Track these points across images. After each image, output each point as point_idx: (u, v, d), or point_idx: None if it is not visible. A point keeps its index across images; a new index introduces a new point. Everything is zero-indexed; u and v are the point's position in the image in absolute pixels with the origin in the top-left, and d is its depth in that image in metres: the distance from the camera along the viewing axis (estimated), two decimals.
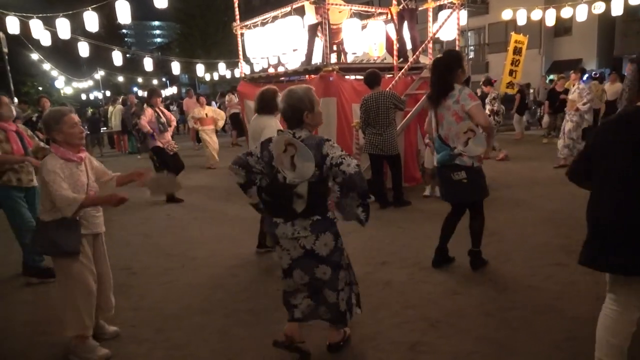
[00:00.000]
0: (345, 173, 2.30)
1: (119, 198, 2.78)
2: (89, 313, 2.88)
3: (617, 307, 2.15)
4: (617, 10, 11.18)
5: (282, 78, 8.21)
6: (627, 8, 11.38)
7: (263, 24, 7.83)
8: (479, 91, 11.14)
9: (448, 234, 3.96)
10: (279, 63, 8.51)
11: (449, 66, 3.65)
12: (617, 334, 2.13)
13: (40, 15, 10.46)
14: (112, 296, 3.14)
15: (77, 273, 2.82)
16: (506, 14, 12.41)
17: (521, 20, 12.18)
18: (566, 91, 11.38)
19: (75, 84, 30.46)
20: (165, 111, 7.27)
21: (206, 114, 10.39)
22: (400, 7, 7.28)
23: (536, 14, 12.09)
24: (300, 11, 7.21)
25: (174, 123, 7.48)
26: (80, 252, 2.81)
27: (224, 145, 12.92)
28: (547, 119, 11.77)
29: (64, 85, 27.85)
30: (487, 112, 8.99)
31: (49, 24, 10.44)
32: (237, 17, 8.48)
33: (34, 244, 2.88)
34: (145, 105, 7.27)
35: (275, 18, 7.42)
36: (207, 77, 24.94)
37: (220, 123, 10.93)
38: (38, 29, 10.35)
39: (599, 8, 11.56)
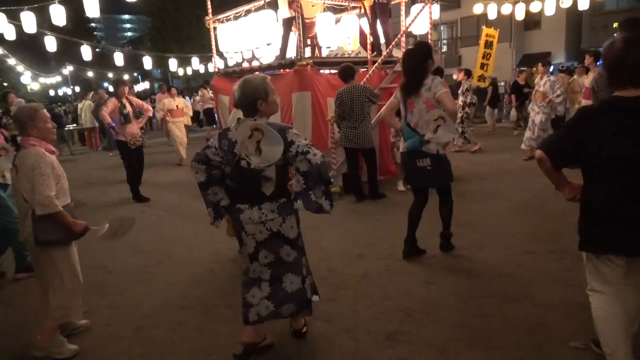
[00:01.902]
0: (311, 162, 2.37)
1: (83, 226, 2.84)
2: (77, 298, 2.98)
3: (613, 296, 2.15)
4: (583, 4, 11.48)
5: (257, 72, 8.15)
6: (594, 2, 11.73)
7: (236, 17, 7.75)
8: (454, 77, 11.37)
9: (414, 225, 4.04)
10: (253, 57, 8.45)
11: (422, 56, 3.74)
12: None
13: (4, 8, 10.12)
14: None
15: (74, 259, 2.93)
16: (477, 8, 12.63)
17: (492, 14, 12.39)
18: (527, 85, 11.72)
19: (43, 80, 29.62)
20: (137, 101, 7.02)
21: (177, 106, 10.21)
22: (373, 1, 7.32)
23: (506, 8, 12.31)
24: (274, 5, 7.17)
25: (149, 113, 7.22)
26: None
27: (200, 140, 12.78)
28: (514, 113, 12.07)
29: (30, 81, 27.05)
30: (460, 103, 9.14)
31: (14, 18, 10.11)
32: (210, 10, 8.38)
33: (43, 234, 2.77)
34: (107, 97, 7.10)
35: (248, 12, 7.36)
36: (181, 72, 24.59)
37: (187, 118, 10.74)
38: (2, 23, 10.00)
39: (566, 2, 11.83)
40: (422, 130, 3.70)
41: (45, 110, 2.95)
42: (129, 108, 6.70)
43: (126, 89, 6.93)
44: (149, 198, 7.05)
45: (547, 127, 7.96)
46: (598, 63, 7.05)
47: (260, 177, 2.47)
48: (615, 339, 2.15)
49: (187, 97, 20.22)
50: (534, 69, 12.67)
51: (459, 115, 8.93)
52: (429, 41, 7.43)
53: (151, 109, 7.59)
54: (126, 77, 33.18)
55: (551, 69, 9.17)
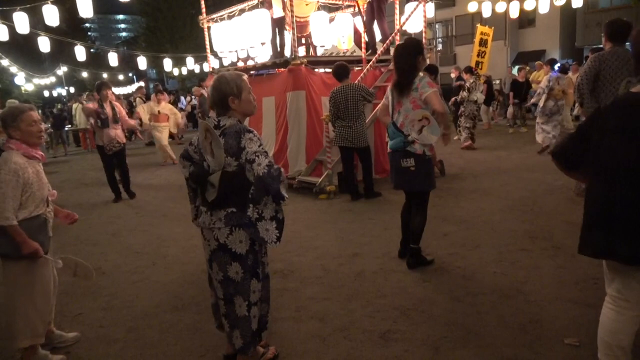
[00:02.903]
0: (255, 173, 2.16)
1: (33, 248, 2.57)
2: (44, 319, 2.76)
3: (619, 304, 2.06)
4: (577, 2, 11.52)
5: (252, 72, 8.15)
6: (587, 0, 11.74)
7: (230, 17, 7.74)
8: (452, 75, 11.44)
9: (408, 224, 4.01)
10: (248, 57, 8.43)
11: (412, 53, 3.66)
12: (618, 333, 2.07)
13: None
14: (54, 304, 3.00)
15: (42, 275, 2.72)
16: (472, 6, 12.65)
17: (487, 13, 12.42)
18: (528, 83, 11.74)
19: (37, 81, 29.43)
20: (120, 109, 6.96)
21: (158, 111, 10.17)
22: None
23: (501, 6, 12.34)
24: (268, 4, 7.15)
25: (130, 122, 7.26)
26: (47, 251, 2.73)
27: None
28: (511, 110, 12.10)
29: (24, 82, 26.88)
30: (459, 99, 9.33)
31: (6, 18, 10.05)
32: (204, 10, 8.36)
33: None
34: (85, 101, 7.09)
35: (242, 11, 7.34)
36: (176, 72, 24.51)
37: (172, 125, 10.56)
38: None
39: (560, 0, 11.88)
40: (407, 130, 3.62)
41: (33, 111, 2.76)
42: (108, 112, 6.61)
43: (110, 92, 6.84)
44: (134, 193, 7.18)
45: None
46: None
47: (207, 181, 2.35)
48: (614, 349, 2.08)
49: (182, 97, 20.19)
50: (527, 67, 12.70)
51: (469, 109, 9.12)
52: (424, 39, 7.44)
53: (132, 122, 7.66)
54: (121, 77, 33.07)
55: (556, 66, 9.17)
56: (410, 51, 3.67)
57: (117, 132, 6.74)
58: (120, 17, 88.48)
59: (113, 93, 7.08)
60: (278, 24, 7.16)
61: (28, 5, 9.51)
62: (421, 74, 3.70)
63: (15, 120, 2.67)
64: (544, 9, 11.96)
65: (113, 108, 6.72)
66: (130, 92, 25.03)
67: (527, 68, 12.47)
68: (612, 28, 4.32)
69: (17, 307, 2.67)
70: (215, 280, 2.47)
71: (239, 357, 2.51)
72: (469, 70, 9.89)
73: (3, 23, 10.09)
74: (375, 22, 7.44)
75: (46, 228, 2.75)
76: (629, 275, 2.01)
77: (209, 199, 2.34)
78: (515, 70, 13.88)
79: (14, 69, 24.01)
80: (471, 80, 9.47)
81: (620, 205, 1.93)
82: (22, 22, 9.56)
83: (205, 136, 2.33)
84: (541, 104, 8.03)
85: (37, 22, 10.25)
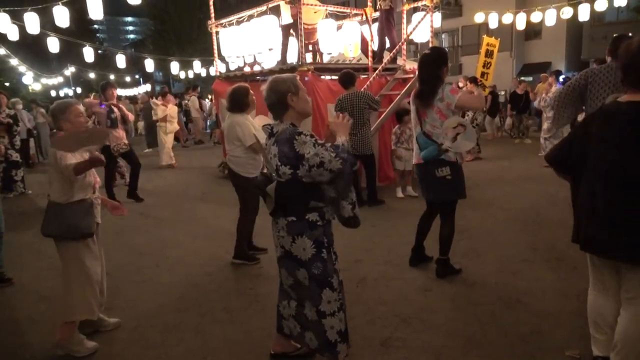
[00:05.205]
0: (332, 171, 2.15)
1: (97, 157, 2.82)
2: (96, 298, 2.96)
3: (602, 290, 2.32)
4: (584, 15, 11.55)
5: (258, 77, 8.21)
6: (594, 13, 11.77)
7: (238, 22, 7.81)
8: (460, 84, 11.47)
9: (424, 233, 4.01)
10: (255, 62, 8.49)
11: (437, 62, 3.61)
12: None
13: (8, 8, 10.14)
14: (105, 287, 3.16)
15: (87, 257, 2.90)
16: (479, 17, 12.67)
17: (493, 24, 12.45)
18: (527, 95, 11.85)
19: (45, 80, 29.61)
20: (122, 107, 7.02)
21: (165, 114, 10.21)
22: (382, 7, 7.35)
23: (507, 18, 12.37)
24: (276, 10, 7.22)
25: (131, 119, 7.26)
26: (93, 234, 2.91)
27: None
28: (509, 121, 12.15)
29: (32, 81, 27.05)
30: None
31: (17, 18, 10.14)
32: (213, 15, 8.43)
33: (47, 227, 2.82)
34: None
35: (251, 17, 7.41)
36: (182, 75, 24.61)
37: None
38: (5, 23, 10.03)
39: (567, 13, 11.92)
40: (439, 139, 3.54)
41: (80, 105, 3.02)
42: (117, 113, 6.68)
43: (114, 92, 6.91)
44: (142, 199, 7.14)
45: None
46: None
47: (265, 192, 2.35)
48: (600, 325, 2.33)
49: (207, 100, 20.19)
50: (525, 79, 12.79)
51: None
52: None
53: (131, 116, 7.64)
54: (128, 79, 33.24)
55: (561, 78, 9.21)
56: (435, 61, 3.62)
57: (122, 133, 6.78)
58: (129, 19, 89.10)
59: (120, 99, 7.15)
60: (288, 31, 7.22)
61: (40, 6, 9.60)
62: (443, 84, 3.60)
63: (65, 113, 2.90)
64: (550, 21, 12.00)
65: (119, 108, 6.79)
66: (136, 93, 25.11)
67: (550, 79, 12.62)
68: (617, 44, 4.22)
69: (73, 284, 2.87)
70: (285, 284, 2.50)
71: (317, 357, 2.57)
72: (473, 80, 9.92)
73: (13, 23, 10.18)
74: (384, 31, 7.50)
75: (92, 211, 2.91)
76: (609, 265, 2.25)
77: (268, 209, 2.39)
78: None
79: (22, 68, 24.17)
80: (475, 91, 9.50)
81: (600, 203, 2.12)
82: (32, 22, 9.65)
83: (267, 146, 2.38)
84: (550, 114, 8.05)
85: (46, 22, 10.34)
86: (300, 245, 2.31)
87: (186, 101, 15.72)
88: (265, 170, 2.49)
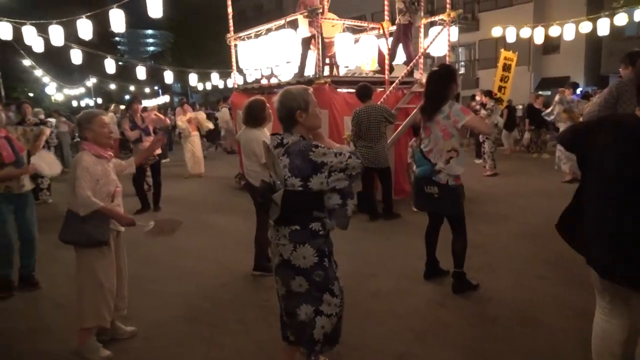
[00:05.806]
0: (351, 176, 2.30)
1: (130, 220, 3.01)
2: (108, 306, 2.99)
3: (607, 315, 2.17)
4: (603, 30, 11.45)
5: (275, 89, 8.28)
6: (613, 28, 11.62)
7: (257, 36, 7.92)
8: (477, 98, 11.42)
9: (432, 246, 4.01)
10: (272, 74, 8.58)
11: (444, 79, 3.65)
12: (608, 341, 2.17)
13: (34, 21, 10.44)
14: (126, 294, 3.23)
15: (101, 265, 2.95)
16: (496, 31, 12.64)
17: (510, 38, 12.41)
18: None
19: (67, 91, 30.35)
20: (146, 118, 7.16)
21: (189, 120, 10.30)
22: (401, 22, 7.39)
23: (525, 32, 12.33)
24: (294, 24, 7.31)
25: (164, 121, 7.44)
26: (109, 243, 2.97)
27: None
28: (527, 136, 12.03)
29: (55, 91, 27.74)
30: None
31: (42, 31, 10.43)
32: (231, 28, 8.57)
33: (64, 234, 2.91)
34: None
35: (269, 30, 7.50)
36: (200, 87, 24.96)
37: (204, 124, 10.78)
38: (31, 36, 10.33)
39: (585, 27, 11.82)
40: (435, 159, 3.63)
41: (105, 116, 3.12)
42: (143, 125, 6.89)
43: (140, 106, 7.09)
44: (160, 207, 7.25)
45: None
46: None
47: (270, 199, 2.36)
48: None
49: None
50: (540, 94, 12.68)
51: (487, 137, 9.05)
52: (447, 62, 7.48)
53: (163, 118, 7.81)
54: (147, 90, 33.83)
55: (578, 91, 9.13)
56: (442, 78, 3.66)
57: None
58: (149, 32, 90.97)
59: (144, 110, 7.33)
60: (308, 44, 7.30)
61: (64, 19, 9.85)
62: (449, 101, 3.63)
63: (90, 123, 2.99)
64: (569, 36, 11.91)
65: (143, 121, 6.96)
66: (158, 104, 25.49)
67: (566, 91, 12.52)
68: (635, 57, 4.21)
69: (84, 290, 2.94)
70: (278, 293, 2.51)
71: (297, 354, 2.51)
72: (489, 93, 9.87)
73: (39, 35, 10.48)
74: (401, 45, 7.53)
75: (108, 220, 2.97)
76: (613, 289, 2.11)
77: (272, 217, 2.38)
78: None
79: (46, 79, 24.79)
80: (491, 104, 9.44)
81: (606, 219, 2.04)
82: (57, 35, 9.93)
83: (267, 155, 2.42)
84: (553, 111, 8.04)
85: (70, 34, 10.61)
86: (301, 254, 2.32)
87: (217, 112, 15.92)
88: (266, 179, 2.49)
